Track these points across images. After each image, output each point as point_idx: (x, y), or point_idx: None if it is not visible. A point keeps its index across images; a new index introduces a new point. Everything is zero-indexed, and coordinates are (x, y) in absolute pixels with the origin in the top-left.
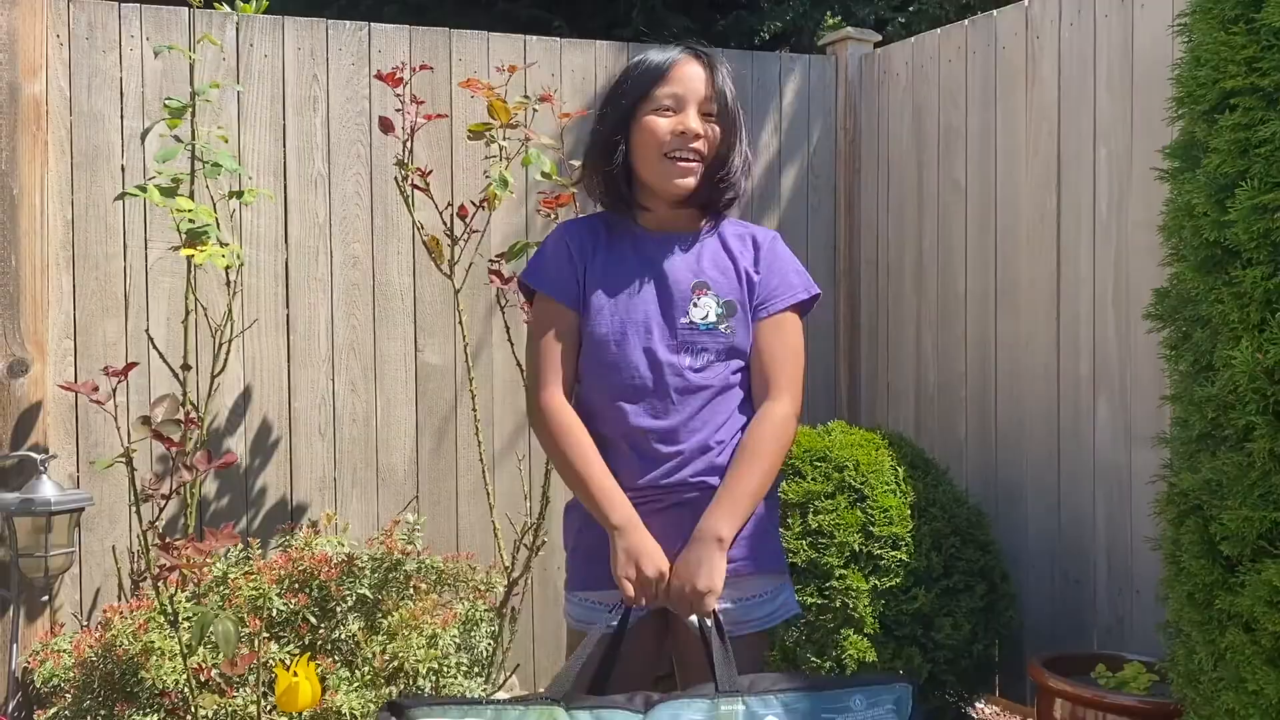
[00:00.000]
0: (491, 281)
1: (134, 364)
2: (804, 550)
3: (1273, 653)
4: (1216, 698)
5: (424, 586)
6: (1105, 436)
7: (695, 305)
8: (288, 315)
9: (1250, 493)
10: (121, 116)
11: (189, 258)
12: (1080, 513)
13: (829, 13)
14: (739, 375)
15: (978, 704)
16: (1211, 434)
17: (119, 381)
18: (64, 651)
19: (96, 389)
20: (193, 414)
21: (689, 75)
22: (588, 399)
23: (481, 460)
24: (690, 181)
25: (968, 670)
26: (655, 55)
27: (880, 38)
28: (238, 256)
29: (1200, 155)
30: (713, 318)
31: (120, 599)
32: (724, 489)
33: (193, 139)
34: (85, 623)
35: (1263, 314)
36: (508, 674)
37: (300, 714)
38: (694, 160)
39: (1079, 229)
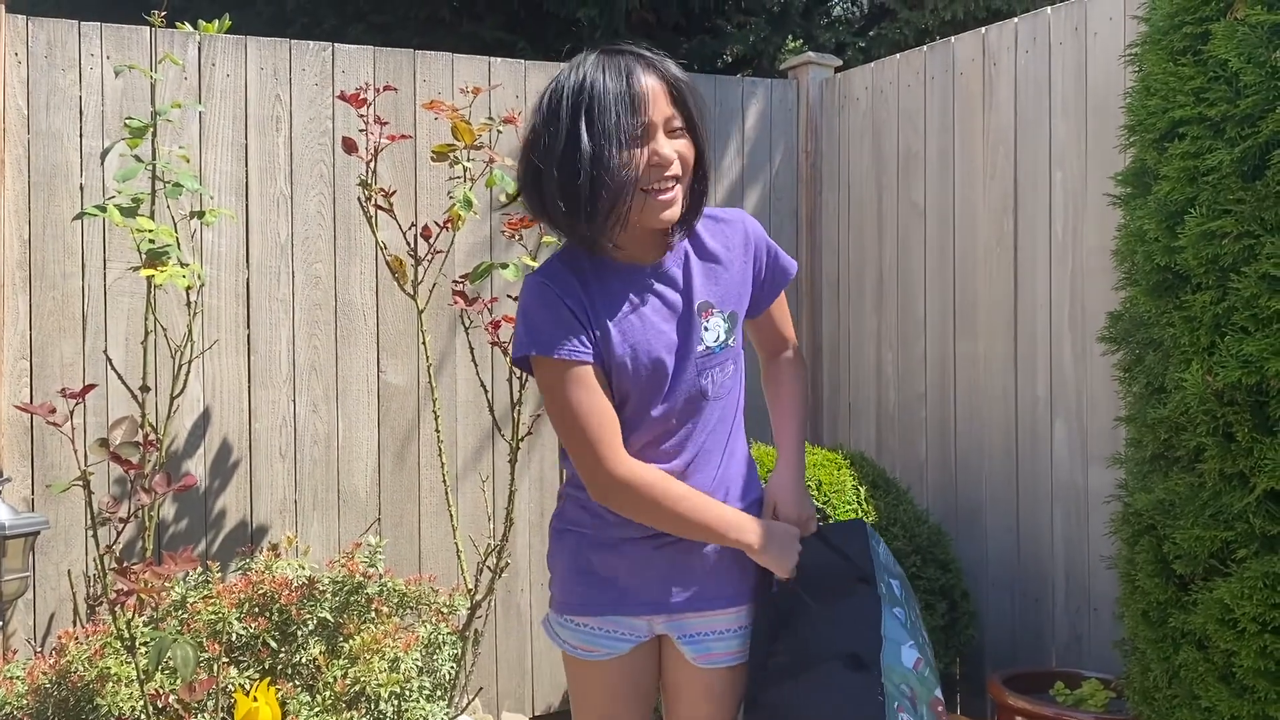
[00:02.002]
0: (455, 302)
1: (92, 386)
2: None
3: (1225, 670)
4: (1171, 714)
5: (386, 610)
6: (1062, 456)
7: (706, 329)
8: (249, 336)
9: (1201, 512)
10: (81, 135)
11: (149, 278)
12: (1038, 532)
13: (790, 37)
14: (737, 378)
15: None
16: (1164, 455)
17: (76, 403)
18: (17, 678)
19: (53, 411)
20: (151, 436)
21: (652, 96)
22: None
23: (444, 481)
24: (675, 211)
25: None
26: (609, 72)
27: (840, 62)
28: (198, 277)
29: (1151, 182)
30: (723, 336)
31: (76, 624)
32: (787, 445)
33: (154, 158)
34: (40, 649)
35: (1212, 337)
36: (471, 697)
37: None
38: (673, 186)
39: (1035, 252)
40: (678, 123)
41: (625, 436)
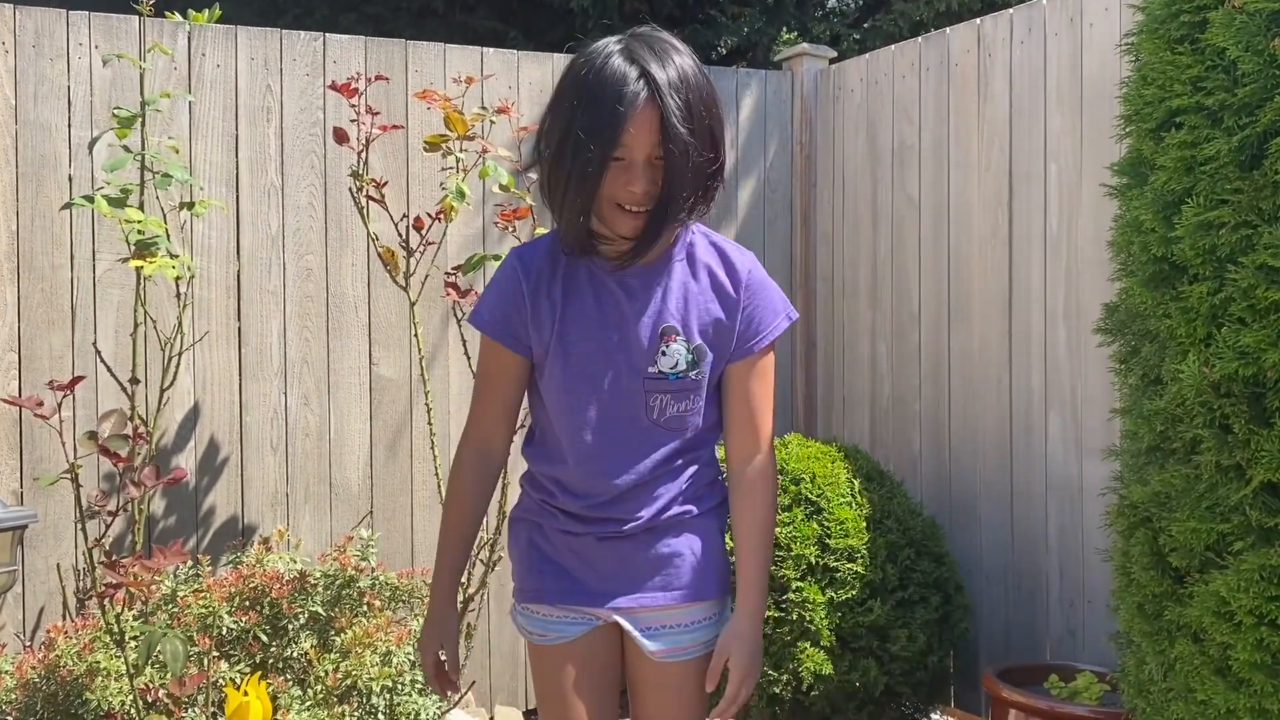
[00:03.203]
0: (447, 294)
1: (80, 378)
2: None
3: (1221, 663)
4: (1166, 708)
5: (378, 603)
6: (1057, 449)
7: (663, 354)
8: (239, 328)
9: (1198, 505)
10: (69, 126)
11: (138, 269)
12: (1033, 524)
13: (785, 29)
14: (698, 416)
15: (933, 715)
16: (1160, 447)
17: (64, 396)
18: (6, 673)
19: (41, 403)
20: (141, 429)
21: (641, 125)
22: (550, 443)
23: (437, 474)
24: (637, 225)
25: (923, 682)
26: (611, 85)
27: (835, 54)
28: (188, 268)
29: (1148, 172)
30: (682, 365)
31: (65, 618)
32: (747, 582)
33: (143, 149)
34: (28, 643)
35: (1209, 329)
36: (464, 690)
37: None
38: (643, 209)
39: (1030, 244)
40: (660, 152)
41: (562, 429)
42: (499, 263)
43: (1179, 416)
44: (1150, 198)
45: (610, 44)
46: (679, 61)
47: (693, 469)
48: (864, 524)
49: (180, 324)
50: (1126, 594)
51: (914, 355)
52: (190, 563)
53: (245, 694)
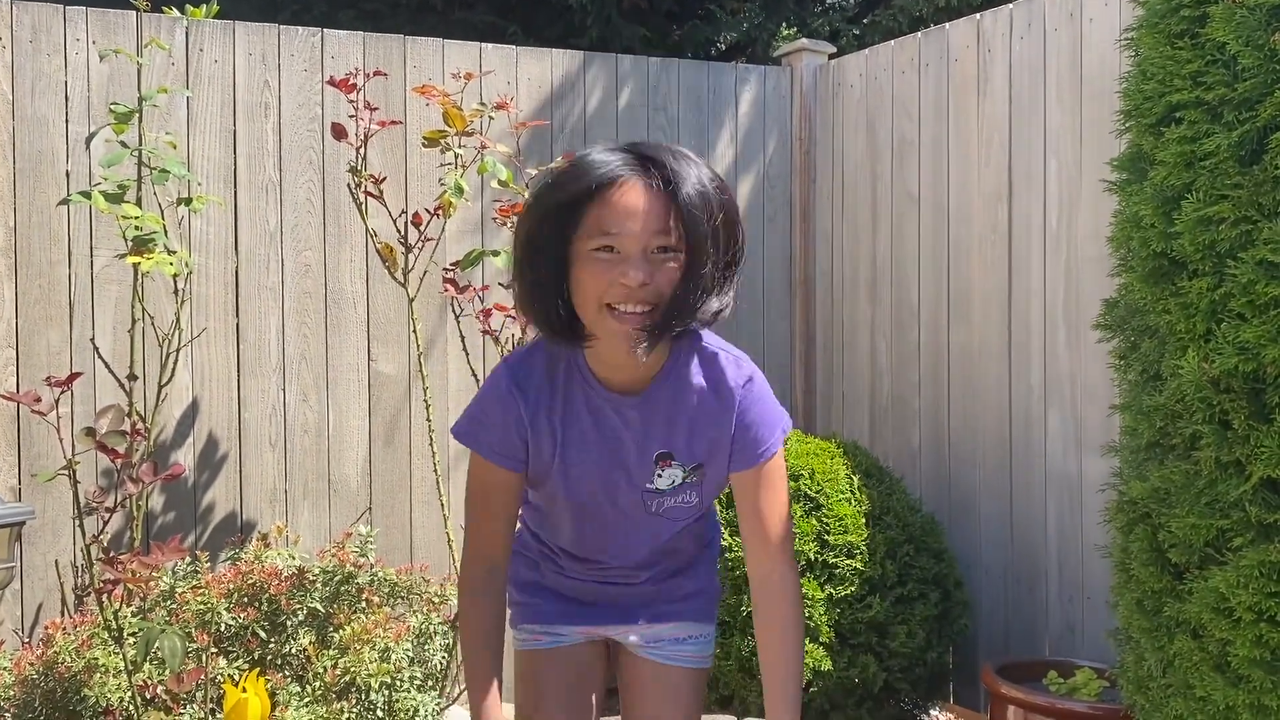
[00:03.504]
0: (445, 290)
1: (78, 374)
2: None
3: (1220, 660)
4: (1166, 704)
5: (376, 599)
6: (1056, 445)
7: (659, 475)
8: (238, 324)
9: (1197, 501)
10: (66, 121)
11: (135, 265)
12: (1032, 521)
13: (785, 24)
14: (700, 506)
15: (933, 711)
16: (1159, 443)
17: (62, 392)
18: (4, 669)
19: (39, 399)
20: (139, 425)
21: (632, 206)
22: (548, 519)
23: (436, 470)
24: (638, 337)
25: (922, 678)
26: (596, 162)
27: (835, 49)
28: (186, 264)
29: (1147, 167)
30: (679, 479)
31: (64, 615)
32: (777, 697)
33: (140, 144)
34: (26, 639)
35: (1208, 324)
36: (462, 687)
37: None
38: (641, 311)
39: (1030, 239)
40: (662, 242)
41: (558, 516)
42: (497, 259)
43: (1178, 412)
44: (1150, 193)
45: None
46: (679, 149)
47: (694, 530)
48: (863, 520)
49: (178, 320)
50: (1126, 590)
51: (913, 351)
52: (189, 559)
53: (244, 690)
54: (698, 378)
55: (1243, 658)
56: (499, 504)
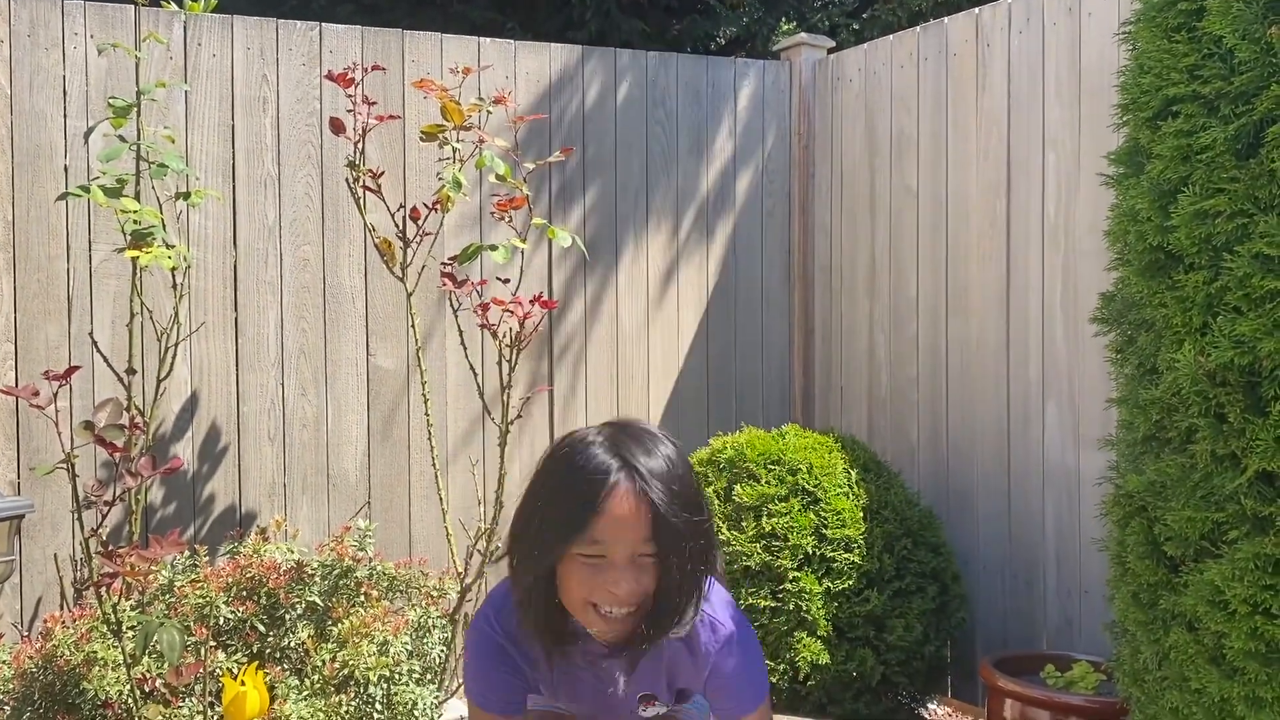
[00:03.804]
0: (444, 284)
1: (76, 368)
2: (757, 554)
3: (1215, 652)
4: (1161, 696)
5: (375, 593)
6: (1054, 439)
7: (644, 711)
8: (236, 319)
9: (1193, 494)
10: (65, 115)
11: (134, 259)
12: (1030, 515)
13: (783, 19)
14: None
15: (930, 705)
16: (1156, 436)
17: (60, 385)
18: (3, 663)
19: (37, 393)
20: (138, 419)
21: (623, 518)
22: None
23: (434, 465)
24: (619, 636)
25: (920, 671)
26: (586, 473)
27: (834, 44)
28: (184, 259)
29: (1144, 161)
30: (664, 711)
31: (63, 608)
32: None
33: (138, 139)
34: (26, 633)
35: (1204, 318)
36: (460, 680)
37: None
38: (626, 613)
39: (1028, 233)
40: (650, 549)
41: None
42: (494, 254)
43: (1174, 406)
44: (1146, 187)
45: (591, 433)
46: (664, 452)
47: None
48: (861, 514)
49: (177, 314)
50: (1122, 583)
51: (912, 346)
52: (187, 553)
53: (242, 684)
54: (682, 650)
55: (1238, 650)
56: None
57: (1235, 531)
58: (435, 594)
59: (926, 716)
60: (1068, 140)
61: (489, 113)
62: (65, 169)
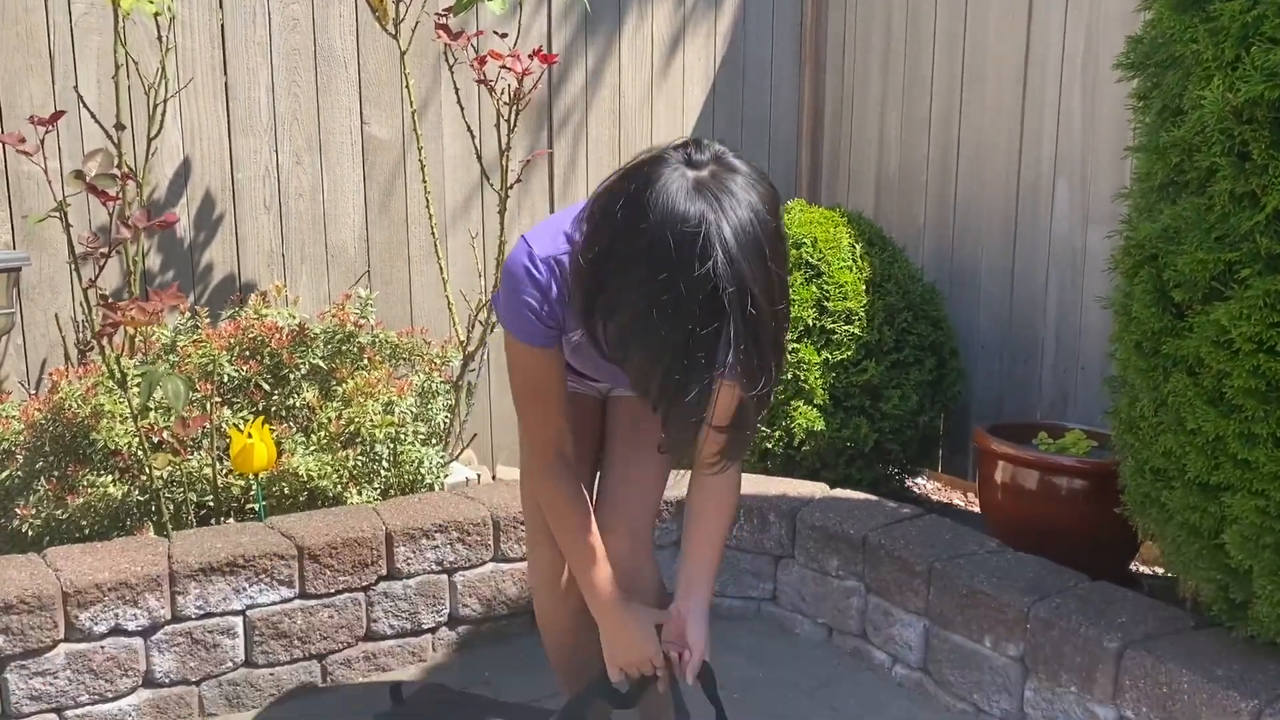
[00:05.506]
0: (438, 37)
1: (62, 112)
2: None
3: (1214, 393)
4: (1155, 440)
5: (378, 359)
6: (1062, 217)
7: None
8: (226, 82)
9: (1207, 236)
10: None
11: (115, 6)
12: (1033, 293)
13: None
14: None
15: (919, 479)
16: (1174, 181)
17: (47, 132)
18: (12, 417)
19: (23, 140)
20: (128, 171)
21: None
22: None
23: (433, 235)
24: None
25: (913, 440)
26: (699, 301)
27: None
28: (168, 8)
29: None
30: None
31: (67, 369)
32: (704, 582)
33: None
34: (33, 391)
35: (1237, 50)
36: (465, 444)
37: (256, 475)
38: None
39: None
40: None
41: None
42: (491, 4)
43: (1196, 145)
44: None
45: (673, 186)
46: (753, 218)
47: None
48: (863, 287)
49: (163, 69)
50: (1125, 334)
51: (924, 124)
52: (189, 315)
53: (249, 437)
54: None
55: (1238, 388)
56: (556, 390)
57: (1248, 270)
58: (439, 361)
59: (915, 490)
60: None
61: None
62: None
